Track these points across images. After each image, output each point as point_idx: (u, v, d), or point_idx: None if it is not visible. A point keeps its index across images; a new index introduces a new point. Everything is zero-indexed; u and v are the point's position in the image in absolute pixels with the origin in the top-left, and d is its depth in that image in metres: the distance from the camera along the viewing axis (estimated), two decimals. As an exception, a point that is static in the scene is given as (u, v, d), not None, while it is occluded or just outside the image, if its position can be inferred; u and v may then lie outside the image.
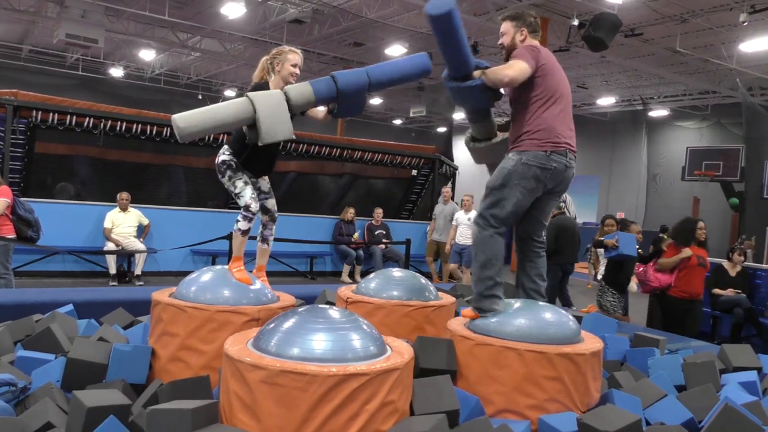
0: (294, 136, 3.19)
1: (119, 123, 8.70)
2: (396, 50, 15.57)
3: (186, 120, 3.00)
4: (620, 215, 21.48)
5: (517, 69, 3.04)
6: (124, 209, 8.41)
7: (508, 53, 3.27)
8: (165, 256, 8.76)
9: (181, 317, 3.03)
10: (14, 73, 20.41)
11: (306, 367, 2.24)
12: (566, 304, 7.02)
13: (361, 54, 17.32)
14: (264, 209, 3.64)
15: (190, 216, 9.32)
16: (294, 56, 3.41)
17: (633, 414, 2.56)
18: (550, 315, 2.99)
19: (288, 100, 3.14)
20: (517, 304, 3.10)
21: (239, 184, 3.36)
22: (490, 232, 3.06)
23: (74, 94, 16.85)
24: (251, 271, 3.50)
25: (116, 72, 21.83)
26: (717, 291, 6.94)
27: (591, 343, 2.99)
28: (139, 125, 8.85)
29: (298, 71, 3.43)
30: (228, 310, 3.04)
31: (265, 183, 3.62)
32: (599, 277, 6.55)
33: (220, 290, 3.15)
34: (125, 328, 3.77)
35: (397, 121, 28.33)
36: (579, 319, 3.98)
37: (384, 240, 10.18)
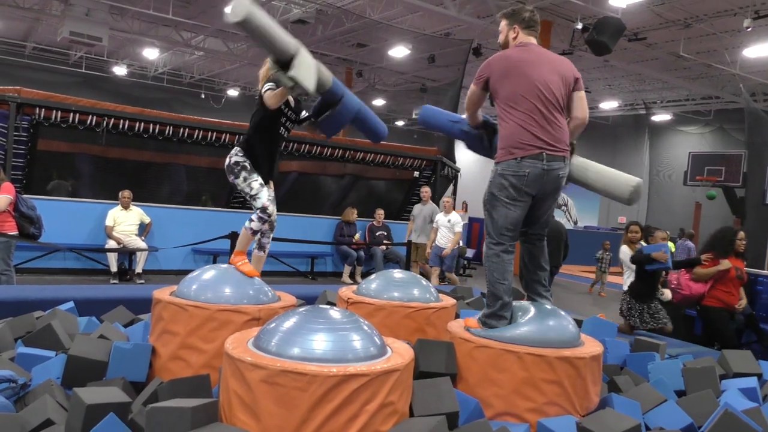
0: (312, 91, 3.21)
1: (122, 121, 8.70)
2: (399, 51, 15.57)
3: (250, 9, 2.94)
4: (621, 220, 21.56)
5: (469, 95, 3.28)
6: (125, 207, 8.41)
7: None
8: (166, 255, 8.77)
9: (182, 316, 3.03)
10: (18, 70, 20.44)
11: (306, 367, 2.24)
12: None
13: (364, 55, 17.34)
14: None
15: (191, 214, 9.33)
16: None
17: (632, 419, 2.56)
18: (550, 319, 2.99)
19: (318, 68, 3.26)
20: (517, 308, 3.10)
21: (255, 185, 3.35)
22: (495, 250, 3.06)
23: (77, 92, 16.87)
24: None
25: (119, 70, 21.87)
26: None
27: (591, 346, 2.99)
28: (142, 123, 8.86)
29: None
30: (229, 309, 3.04)
31: (270, 190, 3.62)
32: (624, 287, 6.27)
33: (221, 289, 3.16)
34: (126, 326, 3.77)
35: (399, 123, 28.36)
36: (579, 323, 3.98)
37: (385, 241, 10.18)
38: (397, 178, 11.85)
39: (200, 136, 9.31)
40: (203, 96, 23.98)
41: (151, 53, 19.33)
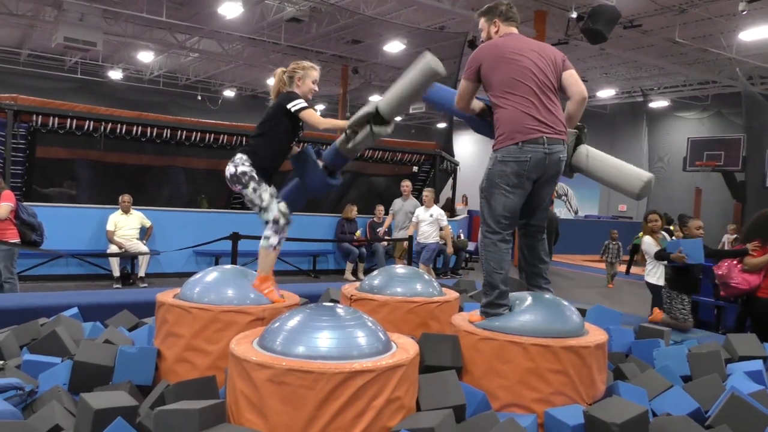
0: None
1: (119, 125, 8.70)
2: (394, 46, 15.54)
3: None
4: (622, 208, 21.55)
5: (460, 91, 3.25)
6: (126, 211, 8.42)
7: None
8: (168, 258, 8.77)
9: (186, 318, 3.04)
10: (13, 77, 20.41)
11: (312, 365, 2.25)
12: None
13: (359, 51, 17.30)
14: None
15: (192, 217, 9.33)
16: (316, 72, 3.45)
17: (639, 405, 2.56)
18: (553, 309, 2.99)
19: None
20: (520, 298, 3.10)
21: (266, 196, 3.28)
22: (492, 239, 3.04)
23: (74, 98, 16.86)
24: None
25: (115, 74, 21.83)
26: None
27: (595, 335, 2.99)
28: (139, 127, 8.85)
29: (317, 88, 3.47)
30: (232, 309, 3.04)
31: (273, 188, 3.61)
32: (655, 281, 5.95)
33: (224, 290, 3.15)
34: (130, 330, 3.78)
35: (397, 118, 28.28)
36: (583, 312, 3.97)
37: (386, 237, 10.18)
38: (396, 174, 11.85)
39: (198, 138, 9.30)
40: (200, 98, 23.95)
41: (146, 56, 19.30)
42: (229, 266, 3.51)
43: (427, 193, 8.55)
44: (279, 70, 3.47)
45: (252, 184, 3.27)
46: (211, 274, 3.28)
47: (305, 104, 3.30)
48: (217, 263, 8.94)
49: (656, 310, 5.78)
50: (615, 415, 2.44)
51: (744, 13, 10.98)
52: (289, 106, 3.27)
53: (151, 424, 2.31)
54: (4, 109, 7.88)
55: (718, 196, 17.11)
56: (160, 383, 2.84)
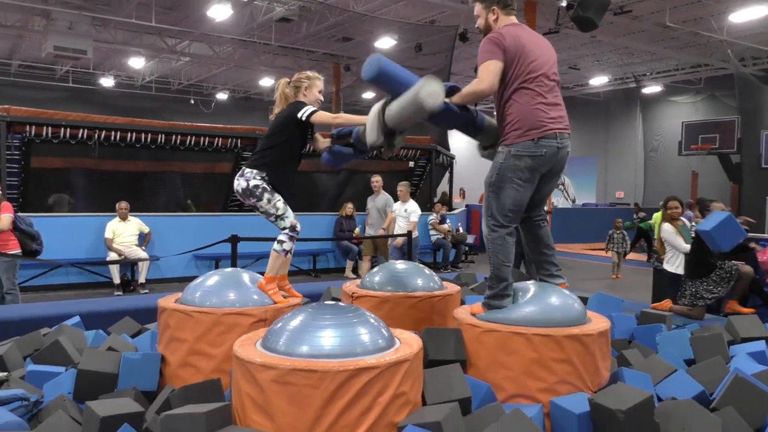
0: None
1: (113, 133, 8.68)
2: (385, 42, 15.51)
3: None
4: (619, 194, 21.57)
5: (487, 76, 2.95)
6: (124, 218, 8.41)
7: (485, 35, 3.21)
8: (168, 263, 8.77)
9: (189, 322, 3.04)
10: (5, 88, 20.34)
11: (316, 364, 2.25)
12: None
13: (350, 49, 17.26)
14: None
15: (190, 221, 9.33)
16: (320, 82, 3.49)
17: (644, 391, 2.57)
18: (555, 298, 2.99)
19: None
20: (521, 289, 3.11)
21: (280, 205, 3.32)
22: (499, 233, 3.02)
23: (66, 107, 16.80)
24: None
25: (107, 82, 21.76)
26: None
27: (598, 323, 2.99)
28: (133, 134, 8.84)
29: (322, 98, 3.50)
30: (234, 312, 3.04)
31: None
32: (674, 269, 5.67)
33: (226, 293, 3.16)
34: (133, 336, 3.78)
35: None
36: (584, 300, 3.98)
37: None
38: (393, 170, 11.84)
39: (193, 142, 9.29)
40: (192, 102, 23.88)
41: (137, 62, 19.24)
42: (229, 269, 3.51)
43: (402, 187, 8.27)
44: (283, 81, 3.49)
45: (266, 195, 3.31)
46: (212, 278, 3.29)
47: (314, 108, 3.35)
48: (217, 266, 8.93)
49: (668, 301, 5.59)
50: (620, 401, 2.45)
51: (733, -6, 10.97)
52: (299, 115, 3.30)
53: (157, 429, 2.31)
54: (-3, 121, 7.87)
55: (715, 179, 17.12)
56: (165, 388, 2.84)
